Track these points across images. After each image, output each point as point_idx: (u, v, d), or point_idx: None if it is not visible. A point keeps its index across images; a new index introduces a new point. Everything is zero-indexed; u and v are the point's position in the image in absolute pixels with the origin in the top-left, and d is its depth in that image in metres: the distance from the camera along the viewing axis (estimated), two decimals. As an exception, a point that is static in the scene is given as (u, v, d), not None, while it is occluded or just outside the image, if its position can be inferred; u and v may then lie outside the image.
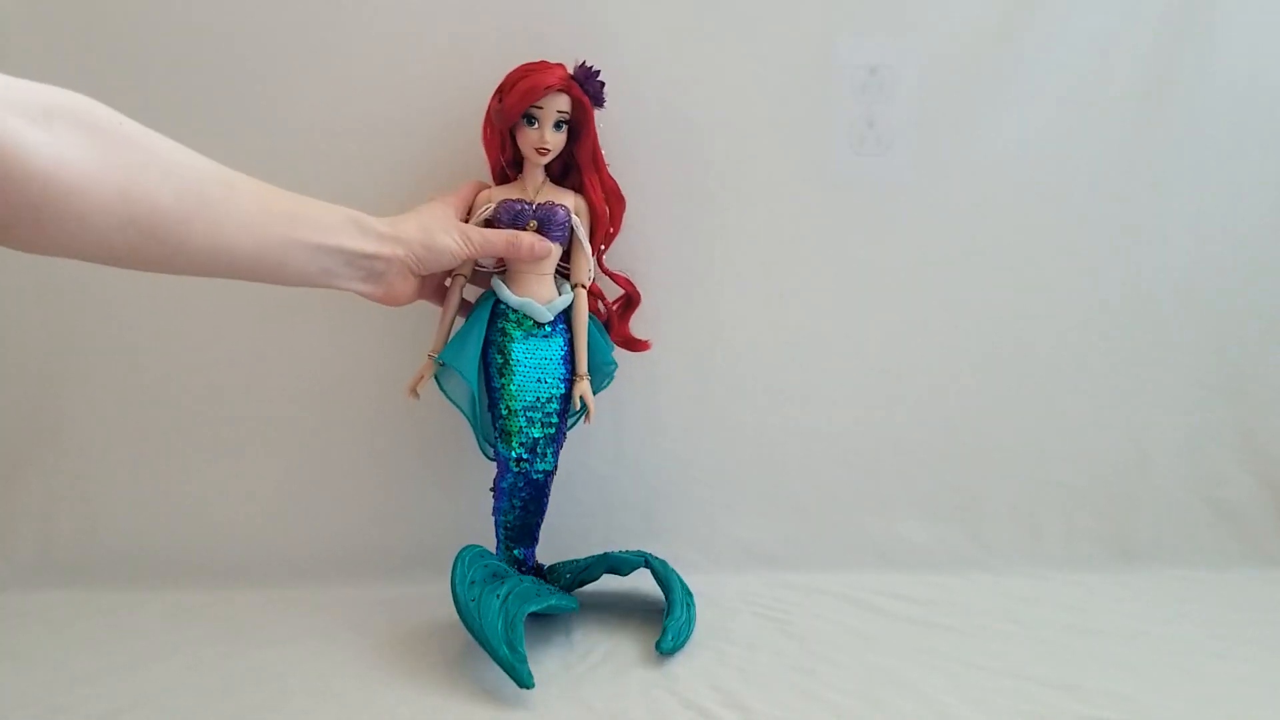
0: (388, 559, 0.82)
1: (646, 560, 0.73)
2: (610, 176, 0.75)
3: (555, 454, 0.74)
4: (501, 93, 0.70)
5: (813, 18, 0.82)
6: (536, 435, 0.72)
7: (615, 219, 0.76)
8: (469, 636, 0.63)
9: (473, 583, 0.66)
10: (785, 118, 0.83)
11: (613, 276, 0.78)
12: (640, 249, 0.83)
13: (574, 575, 0.74)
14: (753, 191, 0.83)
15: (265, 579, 0.79)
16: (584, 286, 0.73)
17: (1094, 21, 0.83)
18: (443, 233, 0.65)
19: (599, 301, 0.77)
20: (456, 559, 0.67)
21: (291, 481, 0.84)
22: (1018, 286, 0.86)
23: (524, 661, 0.60)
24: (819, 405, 0.86)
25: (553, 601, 0.67)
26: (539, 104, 0.69)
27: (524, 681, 0.59)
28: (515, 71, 0.70)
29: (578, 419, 0.76)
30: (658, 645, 0.66)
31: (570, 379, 0.73)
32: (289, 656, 0.66)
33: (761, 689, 0.61)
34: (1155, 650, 0.68)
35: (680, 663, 0.65)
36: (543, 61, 0.71)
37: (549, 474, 0.74)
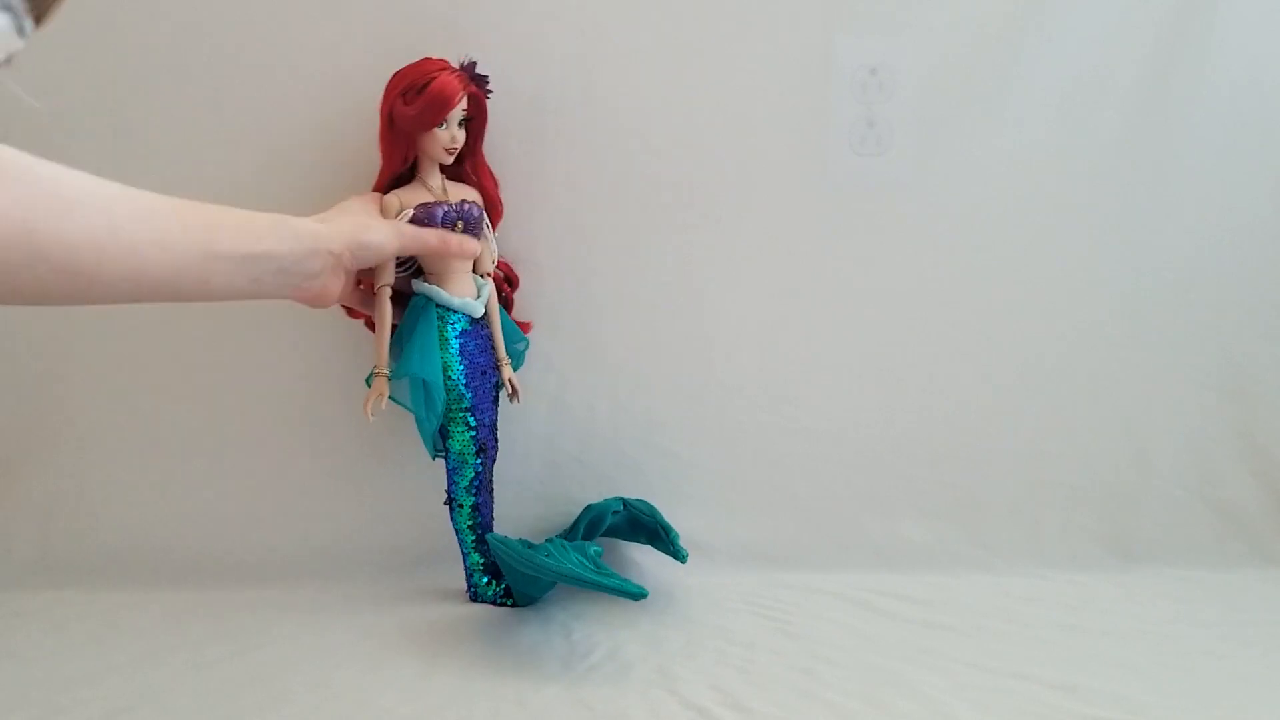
0: (388, 559, 0.82)
1: (625, 504, 0.77)
2: (487, 164, 0.77)
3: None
4: (406, 96, 0.69)
5: (812, 18, 0.82)
6: (488, 424, 0.76)
7: (500, 203, 0.78)
8: (469, 637, 0.63)
9: (530, 546, 0.68)
10: (785, 118, 0.83)
11: (499, 265, 0.80)
12: (640, 248, 0.83)
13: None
14: (752, 191, 0.84)
15: (265, 579, 0.79)
16: (489, 275, 0.76)
17: (1094, 22, 0.83)
18: (377, 230, 0.64)
19: (510, 292, 0.80)
20: (496, 543, 0.70)
21: (292, 482, 0.84)
22: (1018, 286, 0.86)
23: (627, 580, 0.64)
24: (819, 405, 0.86)
25: (594, 547, 0.72)
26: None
27: (639, 592, 0.63)
28: (408, 74, 0.70)
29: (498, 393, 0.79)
30: (679, 556, 0.74)
31: (495, 365, 0.76)
32: (289, 656, 0.66)
33: (761, 689, 0.61)
34: (1155, 650, 0.68)
35: (680, 663, 0.65)
36: (427, 60, 0.71)
37: (494, 458, 0.77)
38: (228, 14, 0.79)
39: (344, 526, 0.83)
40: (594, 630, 0.71)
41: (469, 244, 0.70)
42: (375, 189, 0.73)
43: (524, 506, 0.81)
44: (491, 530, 0.77)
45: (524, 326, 0.82)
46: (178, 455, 0.84)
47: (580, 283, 0.83)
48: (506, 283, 0.81)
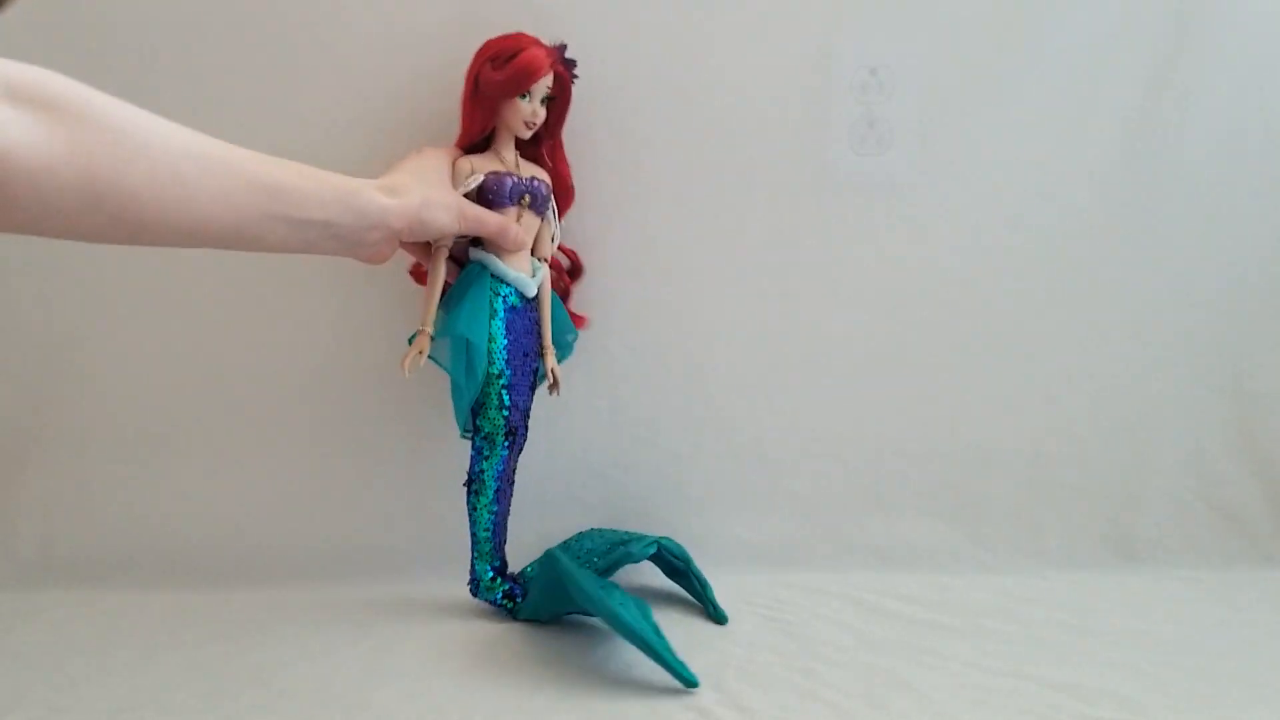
0: (388, 559, 0.82)
1: (658, 545, 0.73)
2: (565, 152, 0.77)
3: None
4: (495, 62, 0.70)
5: (812, 18, 0.82)
6: (522, 408, 0.74)
7: (573, 193, 0.78)
8: (468, 637, 0.62)
9: (603, 587, 0.65)
10: (785, 118, 0.83)
11: (561, 249, 0.80)
12: (640, 248, 0.83)
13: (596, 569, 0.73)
14: (753, 191, 0.84)
15: (265, 579, 0.79)
16: (547, 260, 0.76)
17: (1094, 22, 0.83)
18: (442, 209, 0.65)
19: (559, 275, 0.79)
20: (565, 566, 0.65)
21: (291, 481, 0.84)
22: (1018, 286, 0.86)
23: (684, 664, 0.62)
24: (819, 405, 0.86)
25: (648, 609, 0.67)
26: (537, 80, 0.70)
27: (692, 681, 0.61)
28: (502, 42, 0.71)
29: (540, 382, 0.77)
30: (717, 618, 0.72)
31: (539, 351, 0.75)
32: (289, 656, 0.66)
33: (761, 689, 0.61)
34: (1155, 650, 0.68)
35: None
36: (521, 34, 0.71)
37: (522, 447, 0.76)
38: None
39: (344, 527, 0.83)
40: (594, 630, 0.71)
41: (522, 237, 0.71)
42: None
43: (523, 507, 0.81)
44: (505, 522, 0.75)
45: (578, 320, 0.81)
46: (178, 456, 0.84)
47: (579, 282, 0.83)
48: (569, 273, 0.81)
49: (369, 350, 0.82)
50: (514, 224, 0.71)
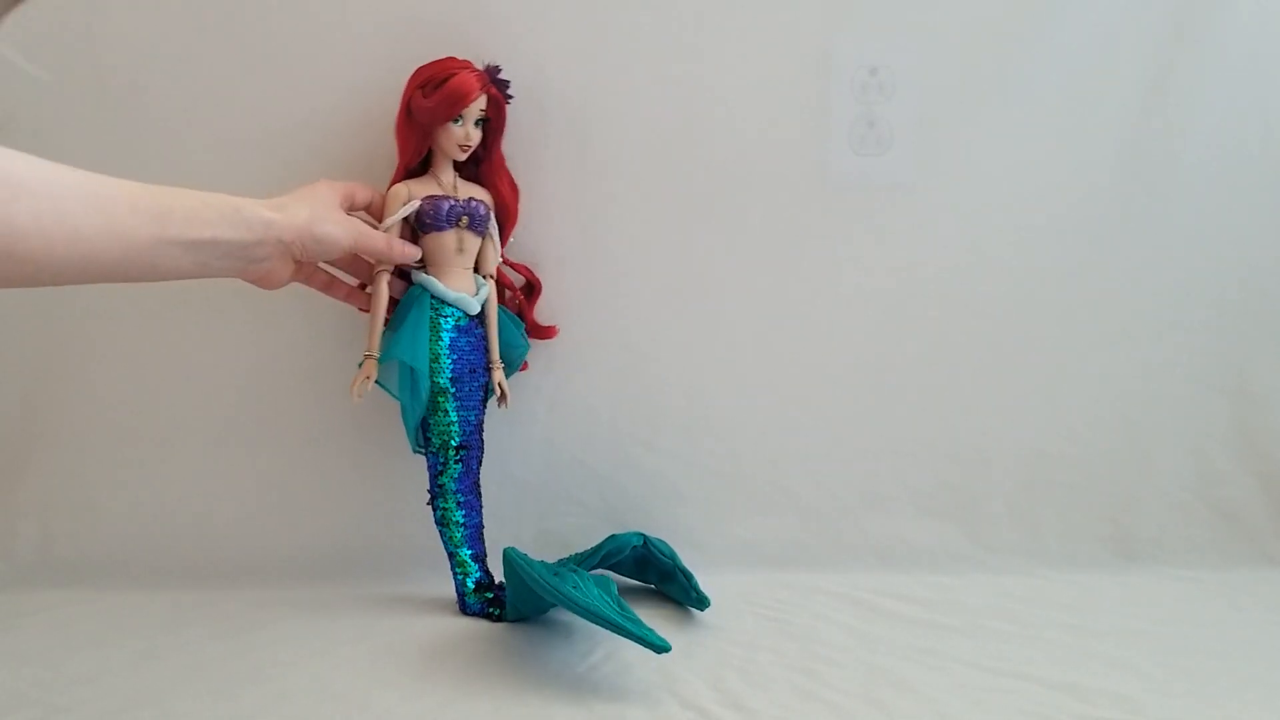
0: (388, 559, 0.82)
1: (645, 540, 0.74)
2: (508, 170, 0.78)
3: (482, 439, 0.77)
4: (425, 89, 0.71)
5: (812, 18, 0.82)
6: (473, 422, 0.75)
7: (515, 212, 0.79)
8: (468, 637, 0.62)
9: (556, 574, 0.65)
10: (785, 118, 0.83)
11: (514, 266, 0.80)
12: (640, 249, 0.83)
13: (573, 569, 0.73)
14: (752, 191, 0.84)
15: (265, 579, 0.79)
16: (492, 277, 0.77)
17: (1094, 21, 0.83)
18: (331, 223, 0.65)
19: (508, 291, 0.80)
20: (518, 560, 0.66)
21: (292, 481, 0.84)
22: (1017, 286, 0.86)
23: (652, 630, 0.61)
24: (819, 405, 0.86)
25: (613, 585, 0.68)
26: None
27: (663, 645, 0.59)
28: (431, 70, 0.72)
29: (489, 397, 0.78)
30: (700, 604, 0.71)
31: (488, 366, 0.76)
32: (289, 656, 0.66)
33: (761, 689, 0.61)
34: (1155, 650, 0.68)
35: (680, 663, 0.65)
36: (451, 59, 0.72)
37: (480, 460, 0.76)
38: (241, 10, 0.80)
39: (344, 527, 0.83)
40: (594, 630, 0.71)
41: (410, 252, 0.72)
42: (392, 181, 0.74)
43: (523, 507, 0.81)
44: (481, 535, 0.76)
45: (548, 331, 0.81)
46: (178, 456, 0.84)
47: (579, 283, 0.83)
48: (524, 290, 0.81)
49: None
50: (398, 241, 0.71)
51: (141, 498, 0.83)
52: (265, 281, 0.65)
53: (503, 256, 0.78)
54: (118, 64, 0.79)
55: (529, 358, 0.81)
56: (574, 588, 0.63)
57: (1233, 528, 0.87)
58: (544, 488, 0.84)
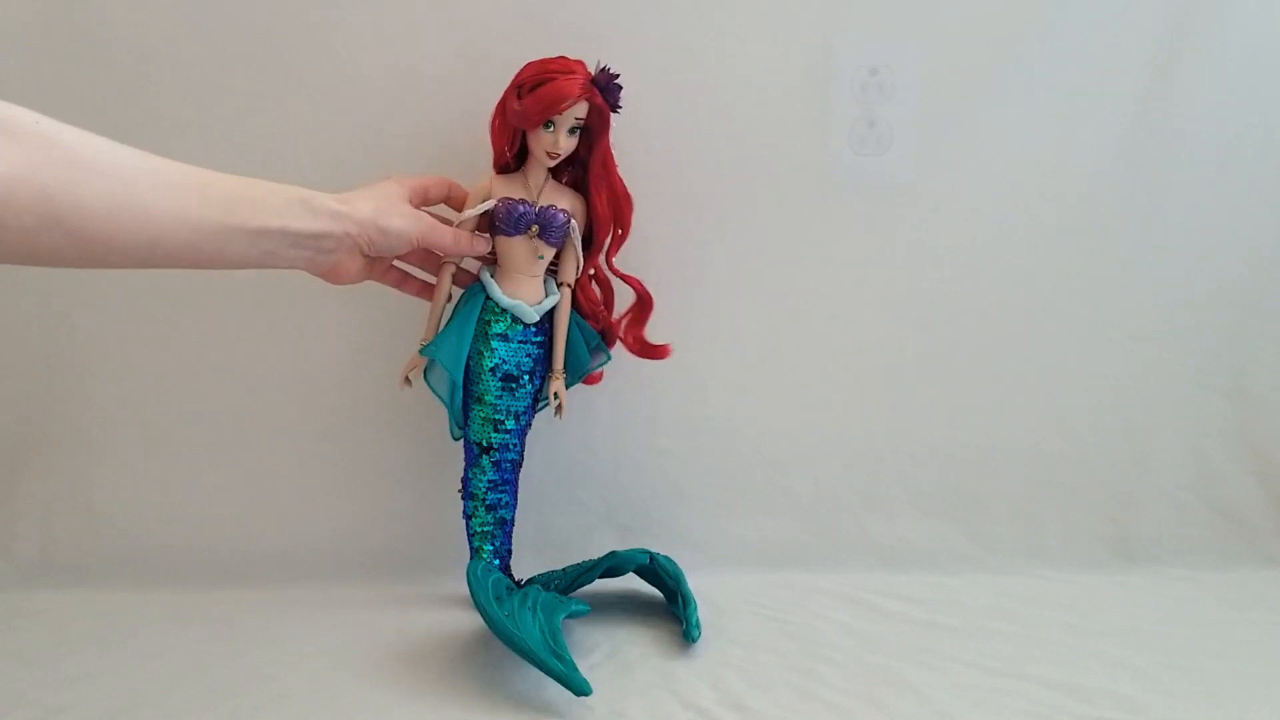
0: (388, 559, 0.82)
1: (651, 558, 0.73)
2: (619, 179, 0.74)
3: (523, 444, 0.76)
4: (520, 90, 0.69)
5: (812, 18, 0.82)
6: (510, 428, 0.74)
7: (624, 222, 0.75)
8: (468, 638, 0.62)
9: (498, 599, 0.65)
10: (785, 117, 0.83)
11: (624, 278, 0.77)
12: (640, 249, 0.83)
13: (572, 579, 0.73)
14: (753, 191, 0.84)
15: (265, 579, 0.79)
16: (569, 286, 0.74)
17: (1095, 21, 0.83)
18: (397, 216, 0.65)
19: (599, 309, 0.77)
20: (472, 578, 0.66)
21: (292, 481, 0.84)
22: (1018, 286, 0.86)
23: (576, 670, 0.59)
24: (819, 405, 0.86)
25: (572, 608, 0.67)
26: (561, 111, 0.68)
27: (581, 688, 0.57)
28: (535, 68, 0.69)
29: (542, 406, 0.76)
30: (687, 635, 0.67)
31: (545, 374, 0.75)
32: (289, 656, 0.66)
33: (761, 689, 0.61)
34: (1155, 650, 0.68)
35: (680, 663, 0.65)
36: (562, 59, 0.69)
37: (516, 464, 0.76)
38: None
39: (345, 527, 0.83)
40: (594, 630, 0.71)
41: (477, 245, 0.71)
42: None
43: (523, 507, 0.81)
44: (500, 532, 0.76)
45: (659, 351, 0.77)
46: (179, 456, 0.84)
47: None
48: (638, 305, 0.78)
49: (370, 350, 0.82)
50: (464, 234, 0.71)
51: (141, 498, 0.83)
52: (334, 275, 0.64)
53: (609, 267, 0.76)
54: (118, 63, 0.79)
55: (606, 369, 0.79)
56: (507, 615, 0.62)
57: (1233, 528, 0.87)
58: (544, 488, 0.84)
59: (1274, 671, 0.65)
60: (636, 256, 0.82)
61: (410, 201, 0.68)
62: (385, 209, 0.64)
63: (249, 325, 0.83)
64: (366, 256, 0.65)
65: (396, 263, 0.72)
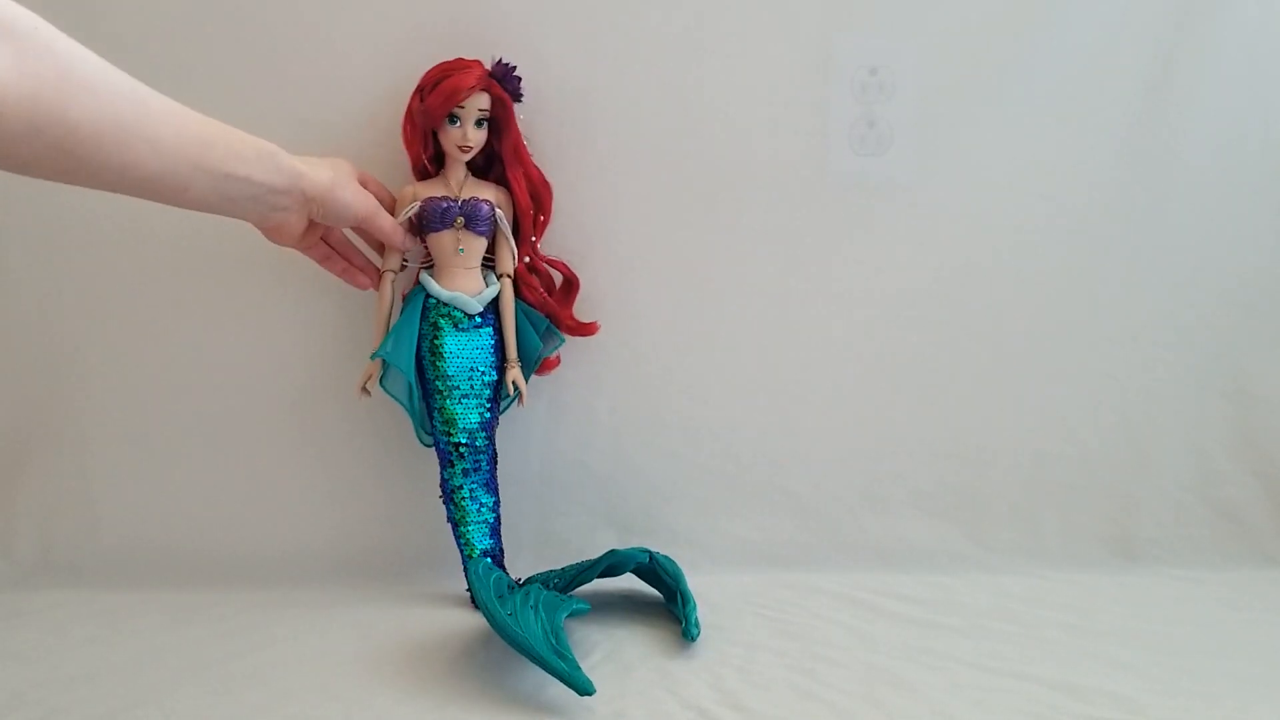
0: (388, 559, 0.82)
1: (651, 557, 0.73)
2: (535, 166, 0.77)
3: (492, 438, 0.77)
4: (422, 92, 0.72)
5: (812, 18, 0.82)
6: (475, 421, 0.75)
7: (545, 207, 0.78)
8: (468, 637, 0.62)
9: (500, 598, 0.65)
10: (785, 118, 0.83)
11: (550, 263, 0.79)
12: (640, 249, 0.83)
13: (571, 578, 0.73)
14: (752, 191, 0.84)
15: (265, 579, 0.79)
16: (509, 276, 0.76)
17: (1095, 21, 0.83)
18: (350, 191, 0.67)
19: (542, 295, 0.79)
20: (474, 577, 0.66)
21: (291, 482, 0.84)
22: (1017, 286, 0.86)
23: (579, 669, 0.59)
24: (819, 405, 0.86)
25: (574, 607, 0.67)
26: (461, 104, 0.71)
27: (585, 688, 0.57)
28: (434, 71, 0.73)
29: (510, 402, 0.78)
30: (687, 633, 0.67)
31: (501, 366, 0.76)
32: (289, 656, 0.66)
33: (761, 689, 0.61)
34: (1155, 650, 0.68)
35: (680, 663, 0.65)
36: (459, 60, 0.72)
37: (490, 460, 0.77)
38: (248, 11, 0.80)
39: (345, 527, 0.83)
40: (594, 630, 0.71)
41: (409, 242, 0.75)
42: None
43: (523, 507, 0.81)
44: (494, 531, 0.76)
45: (587, 328, 0.80)
46: (178, 456, 0.84)
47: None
48: (564, 287, 0.80)
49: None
50: (401, 228, 0.73)
51: (141, 498, 0.83)
52: (277, 234, 0.66)
53: (537, 254, 0.78)
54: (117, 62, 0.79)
55: (562, 353, 0.80)
56: (510, 614, 0.62)
57: (1233, 528, 0.87)
58: (544, 488, 0.84)
59: (1274, 671, 0.65)
60: (637, 256, 0.82)
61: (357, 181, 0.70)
62: (341, 181, 0.66)
63: (249, 326, 0.83)
64: (311, 222, 0.67)
65: (323, 240, 0.73)
